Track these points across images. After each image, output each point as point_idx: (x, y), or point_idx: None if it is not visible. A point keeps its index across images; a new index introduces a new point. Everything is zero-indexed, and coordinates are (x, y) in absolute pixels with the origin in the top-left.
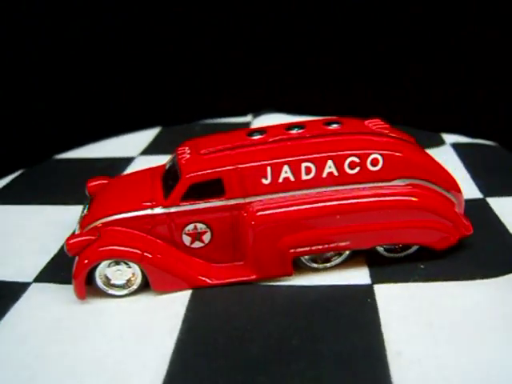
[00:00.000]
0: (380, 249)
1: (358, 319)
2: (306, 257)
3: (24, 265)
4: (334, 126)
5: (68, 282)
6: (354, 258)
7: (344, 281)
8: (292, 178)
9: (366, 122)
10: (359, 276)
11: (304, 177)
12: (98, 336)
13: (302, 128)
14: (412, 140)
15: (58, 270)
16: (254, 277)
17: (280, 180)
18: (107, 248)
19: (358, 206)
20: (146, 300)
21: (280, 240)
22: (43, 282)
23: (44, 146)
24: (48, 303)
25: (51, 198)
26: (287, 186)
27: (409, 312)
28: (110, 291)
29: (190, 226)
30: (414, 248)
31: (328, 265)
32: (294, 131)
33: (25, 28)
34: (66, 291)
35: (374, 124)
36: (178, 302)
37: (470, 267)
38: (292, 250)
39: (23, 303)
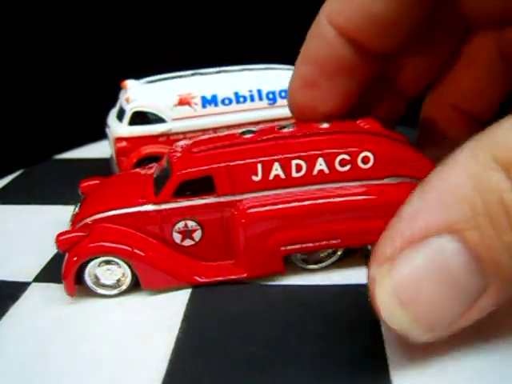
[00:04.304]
0: None
1: (357, 319)
2: (298, 258)
3: (24, 265)
4: (326, 125)
5: None
6: (353, 258)
7: (343, 280)
8: (282, 176)
9: (358, 122)
10: (358, 275)
11: (294, 174)
12: (97, 336)
13: (293, 127)
14: (404, 139)
15: (57, 270)
16: (245, 275)
17: (270, 177)
18: (96, 244)
19: (348, 204)
20: (146, 299)
21: (271, 237)
22: (43, 281)
23: (44, 146)
24: (48, 303)
25: (51, 198)
26: (278, 183)
27: None
28: (100, 291)
29: (181, 224)
30: None
31: (316, 266)
32: (286, 130)
33: (24, 29)
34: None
35: (366, 123)
36: (177, 301)
37: None
38: (283, 248)
39: (23, 303)
